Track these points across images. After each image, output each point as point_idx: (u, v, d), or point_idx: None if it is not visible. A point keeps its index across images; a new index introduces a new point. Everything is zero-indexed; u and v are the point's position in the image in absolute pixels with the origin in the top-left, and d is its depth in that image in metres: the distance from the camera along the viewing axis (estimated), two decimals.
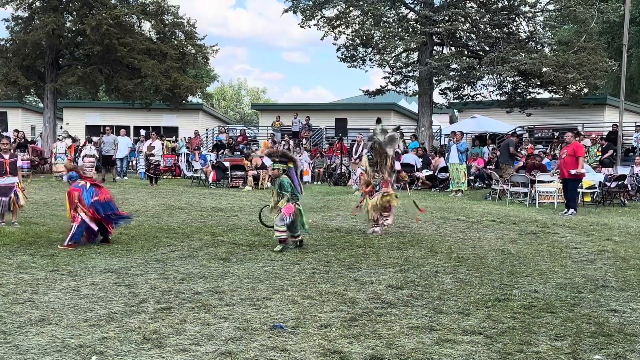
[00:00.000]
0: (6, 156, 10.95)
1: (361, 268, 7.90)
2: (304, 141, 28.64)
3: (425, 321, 5.57)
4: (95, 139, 27.31)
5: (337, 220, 12.40)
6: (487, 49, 25.17)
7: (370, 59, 27.63)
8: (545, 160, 19.04)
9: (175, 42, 30.35)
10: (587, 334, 5.29)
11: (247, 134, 32.01)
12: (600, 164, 20.24)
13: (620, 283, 7.24)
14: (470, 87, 26.77)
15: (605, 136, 23.44)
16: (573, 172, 13.88)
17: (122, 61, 27.93)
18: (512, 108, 26.39)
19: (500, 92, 26.62)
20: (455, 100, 28.77)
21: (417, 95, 27.26)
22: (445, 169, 20.25)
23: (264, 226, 10.21)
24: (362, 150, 21.34)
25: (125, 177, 22.98)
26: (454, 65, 24.73)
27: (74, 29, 28.88)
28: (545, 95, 27.14)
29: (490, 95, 27.16)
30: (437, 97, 28.70)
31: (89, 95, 35.56)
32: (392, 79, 27.48)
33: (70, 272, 7.34)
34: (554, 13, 25.41)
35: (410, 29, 25.13)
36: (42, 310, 5.72)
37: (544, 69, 23.75)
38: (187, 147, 28.45)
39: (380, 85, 27.67)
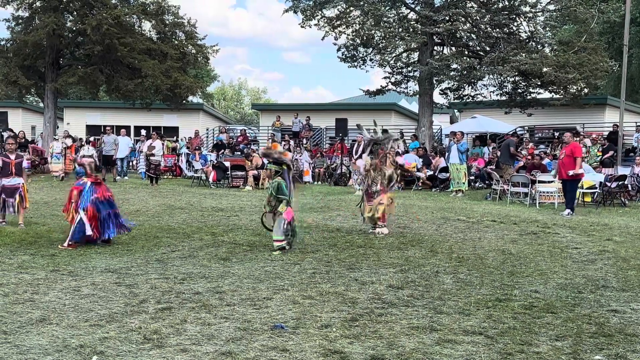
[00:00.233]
0: (12, 157, 10.91)
1: (362, 268, 7.89)
2: (304, 141, 28.64)
3: (425, 321, 5.57)
4: (91, 138, 27.37)
5: (338, 221, 12.40)
6: (488, 49, 25.16)
7: (370, 59, 27.64)
8: (546, 161, 19.04)
9: (176, 42, 30.36)
10: (587, 334, 5.29)
11: (247, 134, 32.01)
12: (600, 164, 20.24)
13: (620, 283, 7.23)
14: (470, 87, 26.76)
15: (606, 136, 23.43)
16: (570, 173, 13.87)
17: (123, 61, 27.95)
18: (512, 108, 26.38)
19: (501, 92, 26.63)
20: (455, 101, 28.77)
21: (417, 95, 27.26)
22: (445, 169, 20.24)
23: (267, 229, 10.03)
24: (362, 149, 21.38)
25: (126, 177, 22.99)
26: (454, 65, 24.72)
27: (74, 28, 28.90)
28: (546, 95, 27.14)
29: (490, 96, 27.16)
30: (437, 97, 28.72)
31: (89, 95, 35.59)
32: (393, 79, 27.48)
33: (71, 272, 7.34)
34: (555, 13, 25.41)
35: (411, 29, 25.13)
36: (43, 310, 5.72)
37: (545, 69, 23.74)
38: (188, 147, 28.46)
39: (381, 85, 27.68)
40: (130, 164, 26.07)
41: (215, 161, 23.37)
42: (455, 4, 24.42)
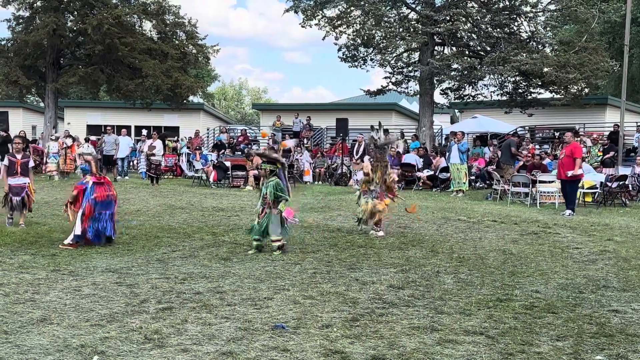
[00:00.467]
0: (19, 156, 10.89)
1: (362, 268, 7.89)
2: (305, 141, 28.64)
3: (426, 321, 5.56)
4: (93, 138, 27.37)
5: (338, 220, 12.40)
6: (488, 49, 25.17)
7: (371, 59, 27.64)
8: (547, 161, 19.03)
9: (177, 41, 30.40)
10: (588, 334, 5.29)
11: (248, 134, 32.00)
12: (601, 164, 20.23)
13: (621, 283, 7.23)
14: (471, 87, 26.77)
15: (607, 136, 23.42)
16: (569, 174, 13.85)
17: (123, 61, 27.97)
18: (512, 108, 26.38)
19: (501, 92, 26.62)
20: (456, 100, 28.77)
21: (418, 95, 27.26)
22: (446, 169, 20.24)
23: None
24: (363, 151, 21.39)
25: (126, 177, 22.99)
26: (455, 65, 24.73)
27: (75, 28, 28.94)
28: (547, 95, 27.13)
29: (491, 96, 27.16)
30: (438, 97, 28.73)
31: (89, 95, 35.62)
32: (393, 79, 27.49)
33: (72, 272, 7.34)
34: (555, 13, 25.41)
35: (412, 29, 25.14)
36: (44, 310, 5.72)
37: (545, 69, 23.74)
38: (188, 147, 28.46)
39: (381, 85, 27.68)
40: (131, 163, 26.08)
41: (216, 161, 23.37)
42: (455, 3, 24.42)
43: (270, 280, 7.12)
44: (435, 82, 26.32)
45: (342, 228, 11.39)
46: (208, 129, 35.57)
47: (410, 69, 27.31)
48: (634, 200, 17.45)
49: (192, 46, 30.71)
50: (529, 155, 20.23)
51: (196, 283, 6.90)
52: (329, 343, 4.94)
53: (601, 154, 21.39)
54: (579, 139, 20.16)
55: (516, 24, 25.64)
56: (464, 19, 24.83)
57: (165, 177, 23.64)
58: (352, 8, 25.93)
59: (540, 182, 16.18)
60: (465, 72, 24.72)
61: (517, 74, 24.46)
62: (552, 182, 15.81)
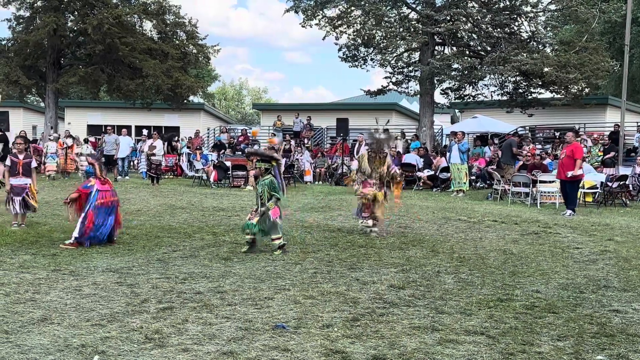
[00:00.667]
0: (21, 156, 10.80)
1: (363, 268, 7.89)
2: (305, 141, 28.64)
3: (427, 321, 5.56)
4: (92, 139, 27.39)
5: (339, 220, 12.40)
6: (489, 48, 25.17)
7: (371, 59, 27.64)
8: (547, 161, 19.03)
9: (177, 41, 30.41)
10: (589, 334, 5.28)
11: (248, 134, 32.00)
12: (602, 164, 20.22)
13: (622, 283, 7.23)
14: (471, 87, 26.76)
15: (608, 136, 23.42)
16: (569, 174, 13.84)
17: (124, 61, 27.99)
18: (513, 108, 26.37)
19: (502, 92, 26.62)
20: (456, 100, 28.77)
21: (418, 95, 27.26)
22: (446, 169, 20.24)
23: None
24: (362, 150, 21.39)
25: (127, 177, 23.00)
26: (455, 65, 24.73)
27: (75, 28, 28.97)
28: (547, 95, 27.13)
29: (491, 96, 27.16)
30: (438, 97, 28.74)
31: (90, 95, 35.63)
32: (394, 79, 27.49)
33: (72, 272, 7.34)
34: (556, 13, 25.41)
35: (412, 29, 25.15)
36: (44, 310, 5.72)
37: (546, 69, 23.74)
38: (189, 147, 28.47)
39: (382, 85, 27.68)
40: (131, 163, 26.08)
41: (216, 161, 23.37)
42: (456, 3, 24.42)
43: (271, 280, 7.12)
44: (435, 82, 26.32)
45: (342, 228, 11.39)
46: (208, 129, 35.59)
47: (410, 68, 27.31)
48: (635, 200, 17.44)
49: (192, 46, 30.73)
50: (529, 155, 20.23)
51: (197, 283, 6.90)
52: (330, 343, 4.94)
53: (601, 154, 21.38)
54: (579, 139, 20.15)
55: (516, 23, 25.66)
56: (464, 18, 24.83)
57: (166, 177, 23.64)
58: (352, 8, 25.94)
59: (541, 182, 16.17)
60: (466, 72, 24.73)
61: (517, 74, 24.46)
62: (553, 182, 15.80)
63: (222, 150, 26.55)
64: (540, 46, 25.67)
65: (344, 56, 27.65)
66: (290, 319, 5.58)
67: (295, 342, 4.95)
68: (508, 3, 25.16)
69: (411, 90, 27.74)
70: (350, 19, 26.20)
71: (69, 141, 23.31)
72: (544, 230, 11.46)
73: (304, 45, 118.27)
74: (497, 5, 25.11)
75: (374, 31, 25.40)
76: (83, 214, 9.14)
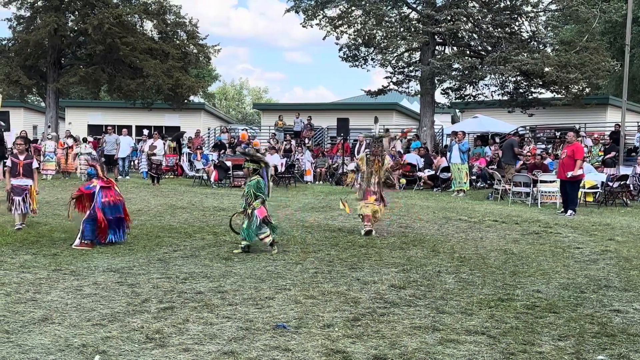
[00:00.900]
0: (21, 157, 10.70)
1: (363, 268, 7.89)
2: (306, 141, 28.64)
3: (428, 321, 5.56)
4: (90, 139, 27.36)
5: (339, 220, 12.40)
6: (489, 48, 25.17)
7: (372, 59, 27.65)
8: (548, 160, 19.02)
9: (177, 41, 30.43)
10: (590, 334, 5.28)
11: (249, 134, 32.01)
12: (602, 164, 20.22)
13: (623, 283, 7.22)
14: (472, 87, 26.76)
15: (609, 136, 23.42)
16: (569, 175, 13.84)
17: (124, 61, 28.01)
18: (514, 108, 26.37)
19: (502, 92, 26.62)
20: (457, 100, 28.77)
21: (419, 95, 27.25)
22: (447, 169, 20.23)
23: (235, 233, 9.58)
24: (363, 149, 21.40)
25: (127, 177, 23.01)
26: (456, 65, 24.73)
27: (75, 28, 28.98)
28: (547, 95, 27.13)
29: (492, 95, 27.16)
30: (439, 97, 28.74)
31: (90, 94, 35.65)
32: (394, 79, 27.49)
33: (73, 272, 7.34)
34: (556, 13, 25.40)
35: (413, 29, 25.15)
36: (45, 310, 5.72)
37: (546, 69, 23.74)
38: (189, 147, 28.48)
39: (382, 85, 27.69)
40: (132, 163, 26.09)
41: (217, 161, 23.38)
42: (456, 3, 24.42)
43: (272, 280, 7.12)
44: (436, 81, 26.32)
45: (343, 228, 11.39)
46: (209, 129, 35.59)
47: (411, 68, 27.31)
48: (635, 200, 17.44)
49: (193, 46, 30.75)
50: (529, 154, 20.23)
51: (197, 283, 6.90)
52: (331, 343, 4.94)
53: (602, 153, 21.37)
54: (580, 139, 20.14)
55: (517, 23, 25.66)
56: (465, 18, 24.84)
57: (166, 176, 23.65)
58: (353, 8, 25.94)
59: (541, 181, 16.17)
60: (466, 71, 24.73)
61: (518, 73, 24.47)
62: (553, 182, 15.79)
63: (223, 150, 26.56)
64: (540, 46, 25.68)
65: (345, 56, 27.66)
66: (291, 318, 5.58)
67: (296, 342, 4.95)
68: (509, 3, 25.16)
69: (412, 90, 27.74)
70: (350, 18, 26.20)
71: (70, 141, 23.31)
72: (545, 230, 11.46)
73: (304, 45, 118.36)
74: (497, 5, 25.12)
75: (375, 31, 25.40)
76: (88, 213, 9.12)
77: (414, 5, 26.42)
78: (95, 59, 28.36)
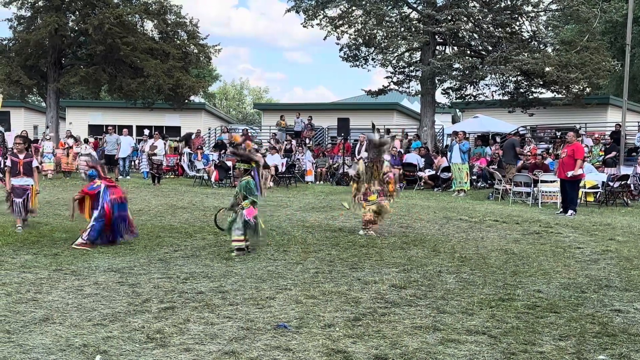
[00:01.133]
0: (21, 156, 10.65)
1: (364, 268, 7.89)
2: (307, 141, 28.65)
3: (429, 321, 5.56)
4: (91, 139, 27.40)
5: (340, 220, 12.40)
6: (490, 48, 25.16)
7: (372, 59, 27.64)
8: (548, 160, 19.02)
9: (178, 41, 30.43)
10: (591, 334, 5.28)
11: (249, 134, 32.01)
12: (603, 164, 20.22)
13: (624, 283, 7.22)
14: (472, 86, 26.76)
15: (610, 135, 23.42)
16: (569, 174, 13.84)
17: (125, 61, 28.01)
18: (514, 108, 26.37)
19: (503, 91, 26.62)
20: (457, 100, 28.76)
21: (419, 95, 27.25)
22: (447, 169, 20.23)
23: (220, 229, 9.57)
24: (363, 150, 21.40)
25: (128, 177, 23.01)
26: (456, 65, 24.72)
27: (76, 28, 28.99)
28: (548, 95, 27.13)
29: (492, 95, 27.16)
30: (439, 97, 28.73)
31: (91, 94, 35.67)
32: (395, 79, 27.48)
33: (74, 272, 7.34)
34: (557, 13, 25.40)
35: (413, 29, 25.14)
36: (46, 310, 5.72)
37: (547, 69, 23.74)
38: (190, 147, 28.48)
39: (383, 85, 27.68)
40: (133, 163, 26.09)
41: (217, 161, 23.37)
42: (457, 3, 24.41)
43: (272, 279, 7.12)
44: (436, 81, 26.32)
45: (343, 228, 11.39)
46: (209, 129, 35.60)
47: (411, 68, 27.30)
48: (636, 200, 17.43)
49: (193, 46, 30.75)
50: (529, 154, 20.23)
51: (198, 283, 6.90)
52: (332, 342, 4.94)
53: (603, 153, 21.37)
54: (580, 138, 20.14)
55: (518, 23, 25.65)
56: (465, 18, 24.83)
57: (167, 176, 23.66)
58: (353, 8, 25.94)
59: (542, 181, 16.16)
60: (467, 71, 24.72)
61: (518, 73, 24.46)
62: (554, 181, 15.79)
63: (223, 150, 26.56)
64: (541, 46, 25.66)
65: (345, 56, 27.65)
66: (292, 318, 5.58)
67: (297, 341, 4.95)
68: (509, 3, 25.16)
69: (412, 90, 27.73)
70: (351, 18, 26.21)
71: (70, 141, 23.32)
72: (546, 230, 11.46)
73: (304, 45, 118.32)
74: (498, 5, 25.11)
75: (375, 31, 25.40)
76: (97, 212, 9.11)
77: (415, 5, 26.41)
78: (96, 59, 28.36)
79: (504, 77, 25.44)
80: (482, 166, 21.54)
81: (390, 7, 25.97)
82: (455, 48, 26.13)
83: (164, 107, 33.58)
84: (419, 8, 26.11)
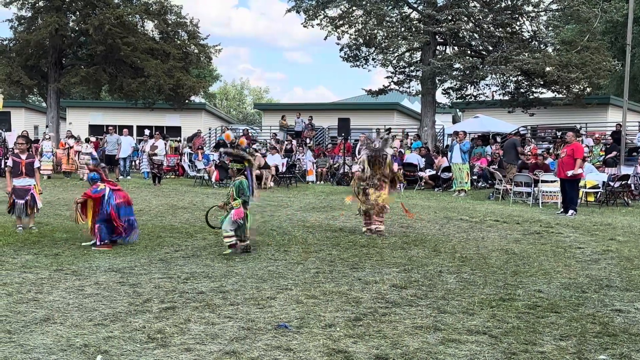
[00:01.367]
0: (23, 156, 10.56)
1: (365, 268, 7.89)
2: (307, 141, 28.65)
3: (429, 321, 5.56)
4: (92, 139, 27.39)
5: (341, 220, 12.40)
6: (490, 48, 25.17)
7: (373, 59, 27.66)
8: (549, 160, 19.02)
9: (178, 41, 30.43)
10: (592, 333, 5.28)
11: (250, 134, 32.02)
12: (603, 164, 20.22)
13: (624, 283, 7.22)
14: (473, 86, 26.76)
15: (610, 135, 23.42)
16: (569, 174, 13.85)
17: (125, 61, 28.02)
18: (515, 108, 26.37)
19: (503, 91, 26.61)
20: (458, 100, 28.77)
21: (420, 95, 27.26)
22: (448, 169, 20.23)
23: (210, 227, 9.60)
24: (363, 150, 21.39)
25: (129, 177, 23.01)
26: (457, 65, 24.74)
27: (77, 28, 29.00)
28: (549, 94, 27.13)
29: (493, 95, 27.15)
30: (440, 97, 28.74)
31: (91, 95, 35.69)
32: (395, 79, 27.50)
33: (75, 272, 7.35)
34: (557, 12, 25.41)
35: (413, 29, 25.16)
36: (47, 310, 5.72)
37: (547, 69, 23.75)
38: (190, 147, 28.50)
39: (383, 85, 27.69)
40: (133, 163, 26.10)
41: (218, 161, 23.37)
42: (458, 3, 24.42)
43: (273, 279, 7.12)
44: (437, 81, 26.33)
45: (344, 228, 11.39)
46: (210, 129, 35.61)
47: (412, 68, 27.32)
48: (637, 200, 17.43)
49: (194, 46, 30.75)
50: (530, 154, 20.22)
51: (199, 283, 6.91)
52: (332, 342, 4.94)
53: (603, 153, 21.37)
54: (580, 138, 20.14)
55: (518, 23, 25.66)
56: (466, 18, 24.84)
57: (168, 177, 23.66)
58: (354, 8, 25.96)
59: (543, 181, 16.16)
60: (467, 71, 24.74)
61: (519, 73, 24.47)
62: (554, 181, 15.79)
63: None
64: (541, 46, 25.67)
65: (346, 56, 27.67)
66: (293, 318, 5.58)
67: (297, 341, 4.95)
68: (510, 3, 25.17)
69: (413, 90, 27.74)
70: (351, 18, 26.23)
71: (71, 141, 23.32)
72: (546, 230, 11.46)
73: (305, 45, 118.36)
74: (498, 5, 25.12)
75: (376, 31, 25.40)
76: (101, 217, 9.11)
77: (415, 5, 26.42)
78: (97, 59, 28.36)
79: (505, 77, 25.45)
80: (483, 166, 21.54)
81: (390, 7, 25.99)
82: (456, 48, 26.14)
83: (164, 107, 33.59)
84: (419, 8, 26.12)
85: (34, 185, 10.55)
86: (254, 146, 27.17)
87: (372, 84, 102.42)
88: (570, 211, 13.85)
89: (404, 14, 26.37)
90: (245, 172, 8.81)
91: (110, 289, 6.56)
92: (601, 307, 6.14)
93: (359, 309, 5.91)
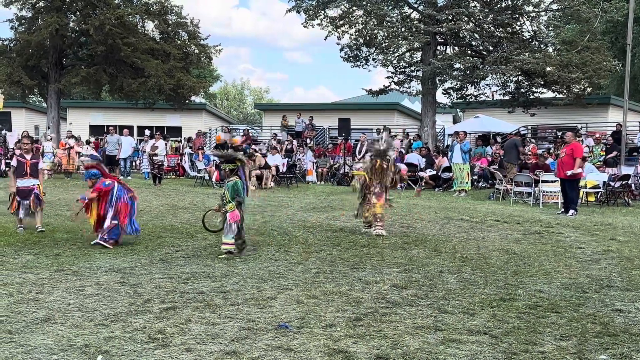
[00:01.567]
0: (28, 157, 10.53)
1: (365, 268, 7.89)
2: (307, 141, 28.65)
3: (430, 321, 5.56)
4: (93, 139, 27.40)
5: (341, 220, 12.40)
6: (491, 48, 25.16)
7: (373, 59, 27.64)
8: (549, 160, 19.01)
9: (179, 42, 30.43)
10: (592, 333, 5.28)
11: (250, 134, 32.03)
12: (604, 164, 20.21)
13: (625, 283, 7.22)
14: (473, 87, 26.75)
15: (610, 135, 23.41)
16: (569, 173, 13.86)
17: (126, 61, 28.03)
18: (515, 108, 26.36)
19: (504, 91, 26.60)
20: (458, 100, 28.75)
21: (420, 95, 27.25)
22: (448, 169, 20.23)
23: (208, 231, 9.58)
24: (365, 151, 21.40)
25: (129, 177, 23.01)
26: (457, 65, 24.72)
27: (77, 29, 29.02)
28: (549, 95, 27.12)
29: (493, 95, 27.15)
30: (440, 97, 28.71)
31: (92, 95, 35.71)
32: (396, 79, 27.47)
33: (75, 272, 7.35)
34: (558, 12, 25.40)
35: (414, 29, 25.15)
36: (47, 310, 5.73)
37: (548, 69, 23.74)
38: (191, 147, 28.50)
39: (384, 85, 27.67)
40: (134, 163, 26.11)
41: (218, 161, 23.37)
42: (458, 3, 24.41)
43: (274, 280, 7.13)
44: (437, 81, 26.31)
45: (344, 228, 11.39)
46: (210, 129, 35.61)
47: (412, 68, 27.30)
48: (637, 200, 17.43)
49: (194, 46, 30.75)
50: (530, 154, 20.22)
51: (199, 283, 6.91)
52: (333, 342, 4.94)
53: (604, 153, 21.36)
54: (580, 138, 20.13)
55: (518, 23, 25.64)
56: (466, 18, 24.83)
57: (168, 177, 23.66)
58: (354, 8, 25.94)
59: (543, 181, 16.16)
60: (468, 71, 24.72)
61: (519, 73, 24.45)
62: (555, 181, 15.79)
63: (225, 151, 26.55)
64: (542, 46, 25.66)
65: (346, 56, 27.65)
66: (293, 318, 5.58)
67: (298, 342, 4.96)
68: (510, 2, 25.15)
69: (413, 90, 27.72)
70: (352, 18, 26.21)
71: (72, 141, 23.34)
72: (547, 230, 11.46)
73: (305, 45, 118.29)
74: (499, 5, 25.10)
75: (376, 31, 25.39)
76: (111, 211, 9.11)
77: (415, 5, 26.41)
78: (97, 59, 28.37)
79: (505, 77, 25.43)
80: (483, 166, 21.54)
81: (391, 7, 25.98)
82: (456, 48, 26.12)
83: (164, 108, 33.59)
84: (419, 8, 26.11)
85: (38, 185, 10.50)
86: (254, 146, 27.19)
87: (372, 84, 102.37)
88: (571, 211, 13.85)
89: (404, 14, 26.36)
90: (239, 172, 8.71)
91: (110, 289, 6.57)
92: (602, 307, 6.14)
93: (360, 309, 5.91)
